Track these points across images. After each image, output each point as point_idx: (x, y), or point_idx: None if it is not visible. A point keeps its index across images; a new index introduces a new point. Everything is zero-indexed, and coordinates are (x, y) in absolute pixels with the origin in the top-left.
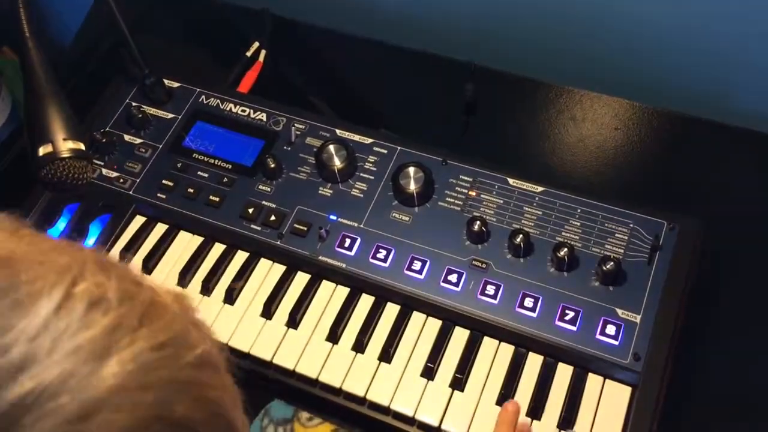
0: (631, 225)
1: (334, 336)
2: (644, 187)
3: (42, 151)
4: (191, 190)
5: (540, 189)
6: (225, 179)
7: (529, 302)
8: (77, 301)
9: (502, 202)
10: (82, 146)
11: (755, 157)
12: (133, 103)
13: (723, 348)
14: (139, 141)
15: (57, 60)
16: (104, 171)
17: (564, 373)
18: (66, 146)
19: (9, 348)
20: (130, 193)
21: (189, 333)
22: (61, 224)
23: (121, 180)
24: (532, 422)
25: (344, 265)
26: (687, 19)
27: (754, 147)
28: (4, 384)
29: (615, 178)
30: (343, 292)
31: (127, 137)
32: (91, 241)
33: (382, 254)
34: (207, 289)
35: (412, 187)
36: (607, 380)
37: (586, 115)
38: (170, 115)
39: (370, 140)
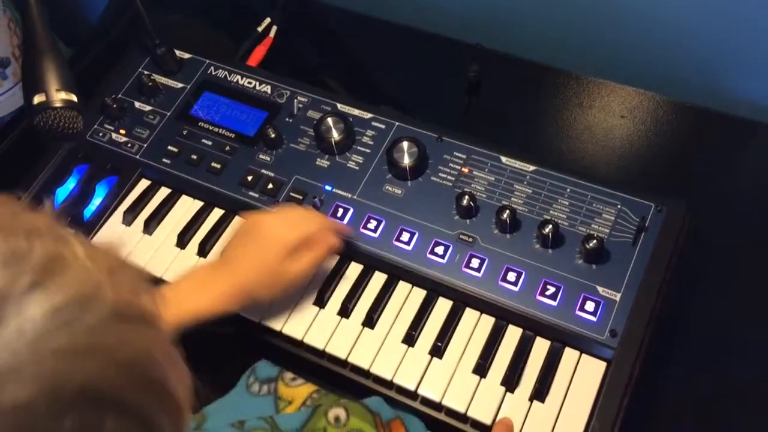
0: (619, 206)
1: (321, 301)
2: (648, 174)
3: (36, 100)
4: (195, 157)
5: (532, 168)
6: (227, 147)
7: (512, 276)
8: None
9: (493, 179)
10: (74, 97)
11: (761, 148)
12: (145, 72)
13: (701, 333)
14: (148, 108)
15: (86, 31)
16: (114, 135)
17: (541, 346)
18: (59, 96)
19: None
20: (137, 157)
21: (100, 287)
22: (71, 184)
23: (129, 144)
24: (505, 393)
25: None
26: (695, 9)
27: (760, 138)
28: None
29: (620, 166)
30: (333, 259)
31: (137, 104)
32: (97, 201)
33: (372, 225)
34: (203, 251)
35: (406, 161)
36: (583, 355)
37: (593, 102)
38: (179, 85)
39: (369, 115)
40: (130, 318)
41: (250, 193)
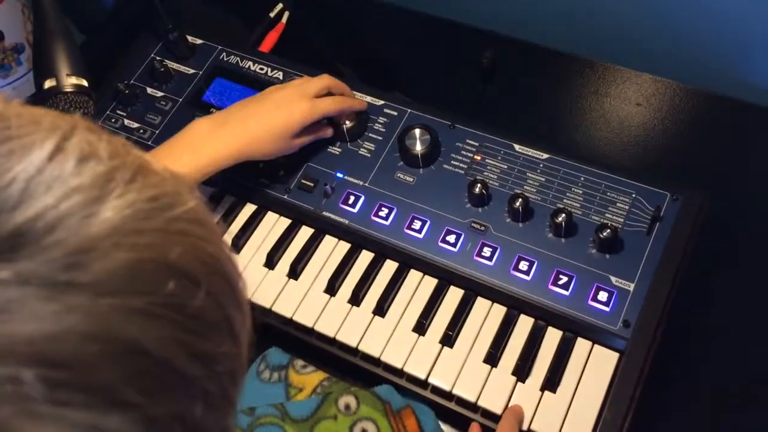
0: (634, 195)
1: (331, 288)
2: (664, 163)
3: (47, 84)
4: None
5: (545, 156)
6: None
7: (524, 265)
8: (69, 153)
9: (506, 167)
10: (85, 83)
11: None
12: (157, 58)
13: (715, 324)
14: (160, 94)
15: (99, 17)
16: (126, 122)
17: (553, 336)
18: (69, 81)
19: (7, 185)
20: (149, 143)
21: (181, 192)
22: None
23: (142, 131)
24: (516, 383)
25: (347, 222)
26: None
27: None
28: (3, 216)
29: (635, 154)
30: (344, 247)
31: (149, 90)
32: None
33: (384, 212)
34: None
35: (418, 148)
36: (595, 345)
37: (609, 89)
38: (191, 71)
39: (381, 102)
40: (206, 225)
41: (261, 180)
